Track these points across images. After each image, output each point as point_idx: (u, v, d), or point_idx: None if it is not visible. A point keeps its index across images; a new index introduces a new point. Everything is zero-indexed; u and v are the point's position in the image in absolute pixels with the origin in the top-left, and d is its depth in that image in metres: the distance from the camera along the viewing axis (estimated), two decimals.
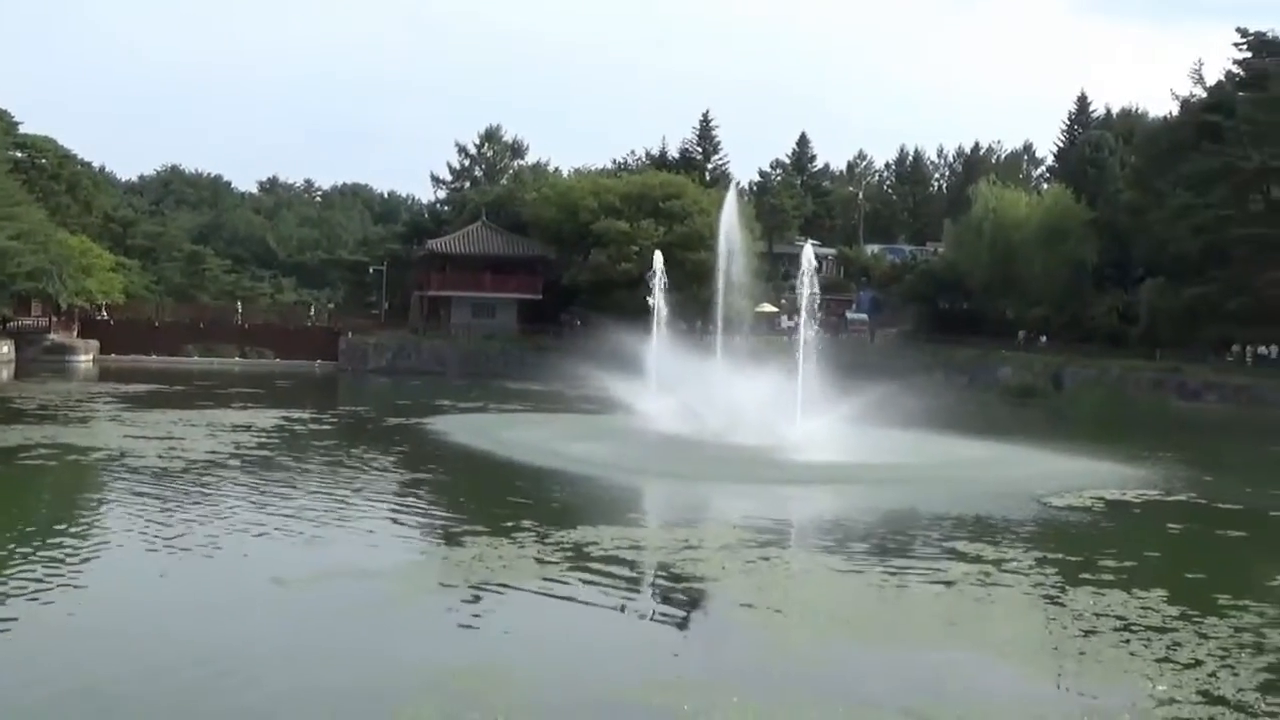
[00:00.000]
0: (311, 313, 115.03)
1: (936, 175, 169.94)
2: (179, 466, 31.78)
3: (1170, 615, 17.76)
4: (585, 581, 19.23)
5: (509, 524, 23.95)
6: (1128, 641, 16.25)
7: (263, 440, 39.46)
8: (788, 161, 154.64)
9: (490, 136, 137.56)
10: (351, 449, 39.18)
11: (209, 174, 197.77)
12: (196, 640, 15.49)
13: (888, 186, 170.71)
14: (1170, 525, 28.27)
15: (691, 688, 13.73)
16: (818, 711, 12.98)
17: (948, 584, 19.84)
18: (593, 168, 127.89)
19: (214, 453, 35.06)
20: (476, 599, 17.92)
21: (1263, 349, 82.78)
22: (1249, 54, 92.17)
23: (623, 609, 18.20)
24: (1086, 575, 20.68)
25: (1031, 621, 17.70)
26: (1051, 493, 31.29)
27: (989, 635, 16.90)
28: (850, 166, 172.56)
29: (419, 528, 25.21)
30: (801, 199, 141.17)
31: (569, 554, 21.15)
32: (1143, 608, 18.19)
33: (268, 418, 47.32)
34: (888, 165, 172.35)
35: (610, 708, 13.38)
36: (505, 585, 18.68)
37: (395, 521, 25.47)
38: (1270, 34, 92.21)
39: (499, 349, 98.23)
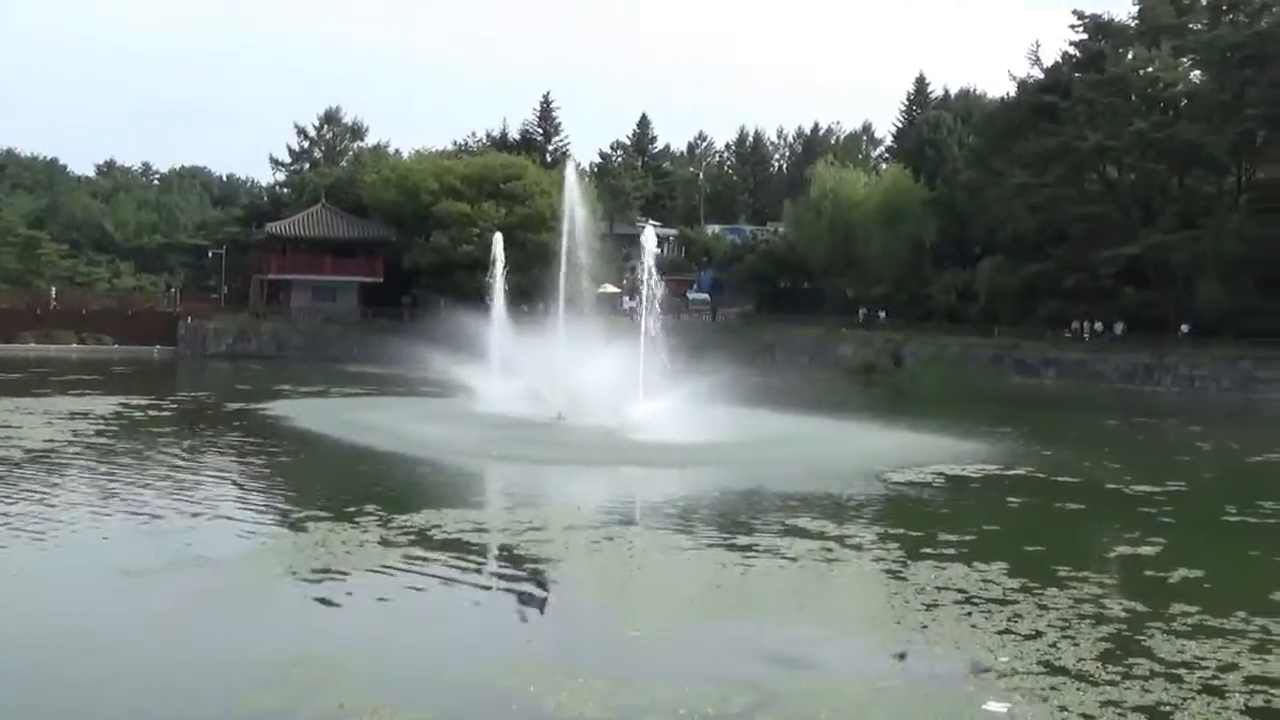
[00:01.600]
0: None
1: (777, 156, 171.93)
2: (16, 456, 30.85)
3: (1011, 588, 17.97)
4: (429, 565, 18.98)
5: (351, 509, 23.68)
6: (969, 614, 16.38)
7: (101, 428, 38.59)
8: (629, 143, 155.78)
9: (330, 118, 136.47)
10: (192, 436, 38.68)
11: (45, 157, 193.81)
12: (40, 635, 15.06)
13: (728, 167, 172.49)
14: (1010, 499, 28.63)
15: (537, 669, 13.58)
16: (663, 690, 12.90)
17: (791, 561, 19.91)
18: (434, 149, 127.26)
19: (52, 441, 34.20)
20: (320, 585, 17.61)
21: (1099, 325, 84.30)
22: (1085, 36, 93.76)
23: (467, 592, 17.96)
24: (928, 550, 20.87)
25: (874, 596, 17.77)
26: (892, 469, 31.67)
27: (833, 610, 16.99)
28: (691, 147, 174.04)
29: (261, 514, 24.70)
30: (642, 180, 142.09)
31: (413, 538, 20.91)
32: (984, 580, 18.38)
33: (106, 405, 46.29)
34: (728, 146, 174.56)
35: (455, 692, 13.19)
36: (349, 571, 18.39)
37: (238, 509, 24.89)
38: (1106, 16, 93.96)
39: (340, 332, 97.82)
